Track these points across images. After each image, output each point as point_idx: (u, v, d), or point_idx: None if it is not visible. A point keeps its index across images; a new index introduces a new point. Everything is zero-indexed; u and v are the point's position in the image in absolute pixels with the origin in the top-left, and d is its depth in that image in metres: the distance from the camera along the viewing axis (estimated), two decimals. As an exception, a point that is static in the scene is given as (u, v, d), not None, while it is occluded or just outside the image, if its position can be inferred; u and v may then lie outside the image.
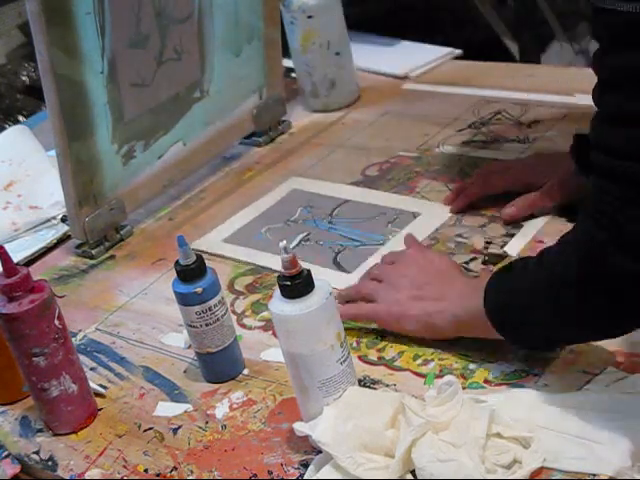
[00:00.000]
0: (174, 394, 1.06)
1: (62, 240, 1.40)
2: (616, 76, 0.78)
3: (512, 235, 1.19)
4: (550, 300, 0.87)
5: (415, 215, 1.28)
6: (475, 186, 1.26)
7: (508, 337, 0.94)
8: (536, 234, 1.18)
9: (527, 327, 0.91)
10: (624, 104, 0.78)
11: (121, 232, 1.39)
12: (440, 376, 0.97)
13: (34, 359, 0.98)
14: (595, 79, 0.82)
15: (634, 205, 0.78)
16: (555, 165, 1.21)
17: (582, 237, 0.84)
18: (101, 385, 1.09)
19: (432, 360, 1.01)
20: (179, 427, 1.01)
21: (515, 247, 1.16)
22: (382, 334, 1.07)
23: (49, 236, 1.41)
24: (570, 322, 0.87)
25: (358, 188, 1.38)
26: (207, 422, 1.00)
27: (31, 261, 1.36)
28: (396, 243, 1.22)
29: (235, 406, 1.01)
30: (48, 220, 1.43)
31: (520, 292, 0.91)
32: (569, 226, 1.16)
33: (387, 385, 0.99)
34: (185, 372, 1.09)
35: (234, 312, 1.16)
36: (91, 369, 1.12)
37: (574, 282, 0.84)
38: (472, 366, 0.99)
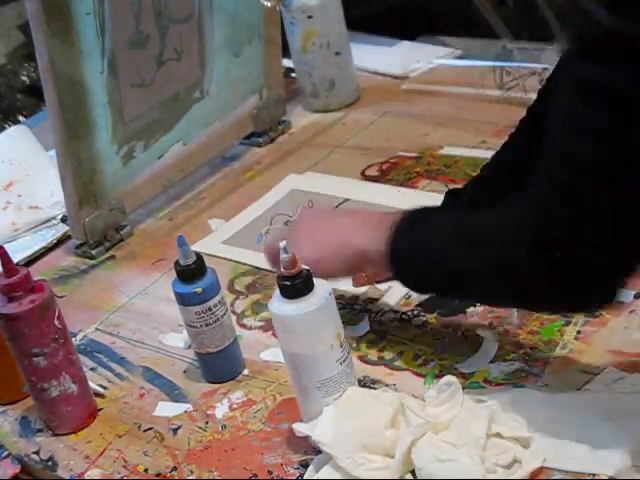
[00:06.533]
0: (174, 394, 1.06)
1: (62, 240, 1.40)
2: None
3: (512, 235, 1.18)
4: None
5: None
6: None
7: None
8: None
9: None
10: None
11: (121, 232, 1.39)
12: (440, 376, 0.97)
13: (34, 359, 0.98)
14: None
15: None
16: None
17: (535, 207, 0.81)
18: (101, 385, 1.09)
19: (432, 360, 1.01)
20: (179, 427, 1.01)
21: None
22: (382, 334, 1.07)
23: (49, 236, 1.41)
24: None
25: (358, 183, 1.39)
26: (207, 422, 1.00)
27: (31, 261, 1.36)
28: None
29: (235, 406, 1.01)
30: (48, 220, 1.43)
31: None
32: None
33: (387, 385, 0.99)
34: (185, 372, 1.09)
35: (234, 312, 1.16)
36: (91, 369, 1.12)
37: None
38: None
